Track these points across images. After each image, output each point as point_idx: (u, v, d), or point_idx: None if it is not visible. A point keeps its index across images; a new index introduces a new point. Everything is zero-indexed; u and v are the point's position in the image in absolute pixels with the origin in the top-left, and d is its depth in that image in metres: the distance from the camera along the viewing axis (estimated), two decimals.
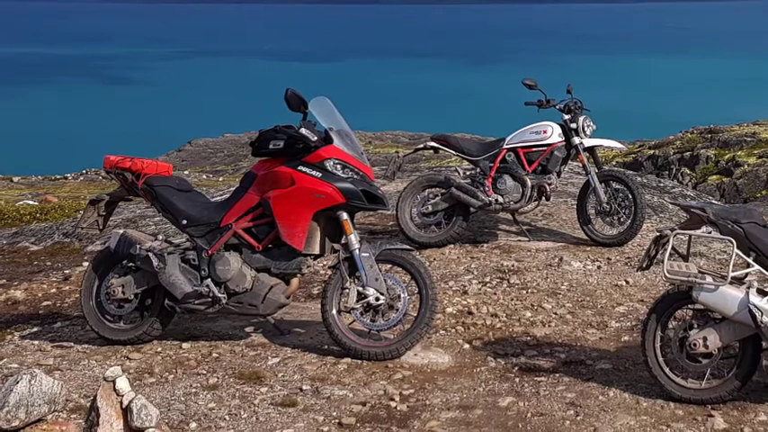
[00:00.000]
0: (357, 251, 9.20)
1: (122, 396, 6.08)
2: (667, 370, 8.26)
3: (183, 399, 8.26)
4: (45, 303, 11.86)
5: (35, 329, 10.60)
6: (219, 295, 9.36)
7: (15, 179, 35.11)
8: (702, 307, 8.08)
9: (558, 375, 8.85)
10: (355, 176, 9.29)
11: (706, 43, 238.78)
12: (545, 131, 13.22)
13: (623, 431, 7.61)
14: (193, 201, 9.79)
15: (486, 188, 13.09)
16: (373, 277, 9.15)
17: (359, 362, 9.16)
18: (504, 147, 13.29)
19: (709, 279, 8.02)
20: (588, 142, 13.20)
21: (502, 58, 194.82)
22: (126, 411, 6.04)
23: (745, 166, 47.67)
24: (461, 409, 8.13)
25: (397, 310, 9.19)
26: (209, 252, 9.45)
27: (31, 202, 22.98)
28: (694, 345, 8.06)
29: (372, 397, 8.38)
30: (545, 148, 13.16)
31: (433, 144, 13.74)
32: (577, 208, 13.41)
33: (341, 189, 9.13)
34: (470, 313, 10.60)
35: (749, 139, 50.74)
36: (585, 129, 13.19)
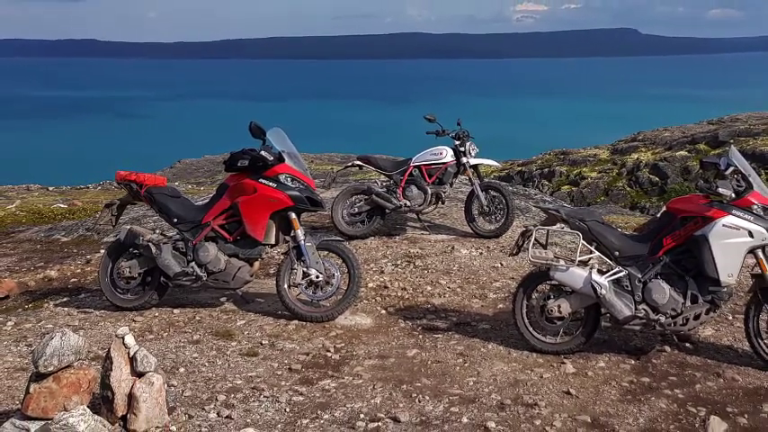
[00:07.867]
0: (303, 241, 9.23)
1: (129, 348, 6.05)
2: (531, 329, 8.31)
3: (174, 350, 8.21)
4: (72, 280, 11.75)
5: (65, 299, 10.52)
6: (201, 274, 9.40)
7: (50, 188, 34.61)
8: (557, 283, 8.14)
9: (450, 333, 8.87)
10: (301, 186, 9.32)
11: (560, 89, 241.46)
12: (441, 153, 13.26)
13: (499, 374, 7.64)
14: (182, 204, 9.79)
15: (398, 195, 13.12)
16: (315, 261, 9.19)
17: (304, 323, 9.15)
18: (411, 164, 13.32)
19: (562, 262, 8.09)
20: (473, 161, 13.24)
21: (410, 99, 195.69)
22: (132, 360, 6.02)
23: (589, 179, 48.26)
24: (379, 358, 8.13)
25: (332, 285, 9.24)
26: (194, 242, 9.45)
27: (62, 206, 22.61)
28: (551, 310, 8.13)
29: (314, 349, 8.36)
30: (441, 166, 13.19)
31: (358, 162, 13.73)
32: (465, 210, 13.45)
33: (290, 196, 9.19)
34: (386, 287, 10.60)
35: (591, 159, 51.34)
36: (471, 151, 13.24)
